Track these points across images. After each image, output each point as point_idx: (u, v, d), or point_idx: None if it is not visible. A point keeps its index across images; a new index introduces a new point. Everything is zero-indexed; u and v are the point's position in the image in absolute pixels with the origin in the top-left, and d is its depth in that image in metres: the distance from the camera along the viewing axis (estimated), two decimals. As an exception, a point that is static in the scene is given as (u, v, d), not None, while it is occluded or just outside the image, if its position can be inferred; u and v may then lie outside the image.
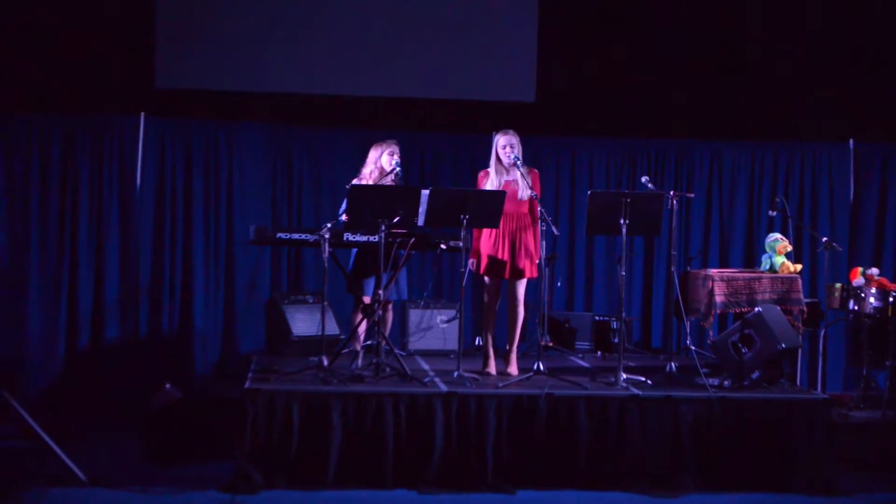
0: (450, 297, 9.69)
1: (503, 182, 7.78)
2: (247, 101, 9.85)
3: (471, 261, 7.80)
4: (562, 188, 10.17)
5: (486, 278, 7.91)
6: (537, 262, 7.89)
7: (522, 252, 7.80)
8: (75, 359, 9.24)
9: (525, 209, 7.82)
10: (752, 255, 9.98)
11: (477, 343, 9.39)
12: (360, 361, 7.86)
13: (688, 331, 8.46)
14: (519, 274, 7.82)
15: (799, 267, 8.52)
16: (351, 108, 9.99)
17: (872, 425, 8.25)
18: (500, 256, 7.77)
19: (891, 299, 8.56)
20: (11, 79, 9.13)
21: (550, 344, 9.14)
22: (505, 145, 7.76)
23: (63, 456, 6.93)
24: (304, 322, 8.92)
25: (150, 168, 9.45)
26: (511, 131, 7.82)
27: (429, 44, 10.05)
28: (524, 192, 7.77)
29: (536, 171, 7.98)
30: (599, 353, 9.37)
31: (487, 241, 7.81)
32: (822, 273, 9.70)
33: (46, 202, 9.25)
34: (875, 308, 8.63)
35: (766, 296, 8.21)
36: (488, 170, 7.89)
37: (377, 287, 7.62)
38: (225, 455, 7.22)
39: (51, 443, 6.99)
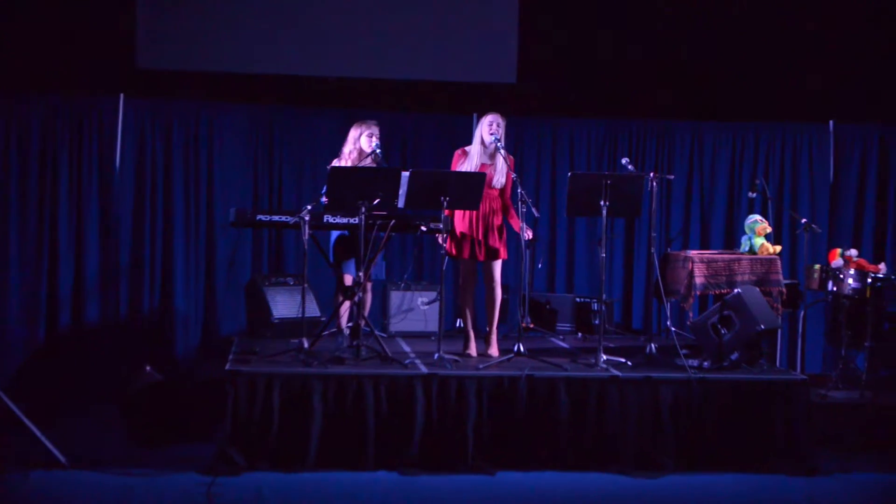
0: (431, 279, 9.69)
1: (480, 164, 7.78)
2: (228, 82, 9.82)
3: (440, 237, 7.76)
4: (542, 169, 10.16)
5: (461, 260, 7.92)
6: (528, 233, 7.80)
7: (496, 233, 7.82)
8: (55, 340, 9.20)
9: (498, 192, 7.83)
10: (732, 236, 10.00)
11: (458, 325, 9.39)
12: (338, 343, 7.86)
13: (668, 312, 8.50)
14: (493, 255, 7.84)
15: (778, 248, 8.55)
16: (332, 90, 9.96)
17: (851, 405, 8.30)
18: (474, 237, 7.78)
19: (869, 280, 8.61)
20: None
21: (531, 325, 9.16)
22: (492, 122, 7.76)
23: (43, 438, 6.91)
24: (284, 304, 8.91)
25: (129, 149, 9.39)
26: (497, 114, 7.81)
27: (410, 24, 10.03)
28: (500, 177, 7.78)
29: (511, 157, 7.98)
30: (580, 334, 9.39)
31: (462, 222, 7.81)
32: (801, 254, 9.76)
33: (25, 183, 9.19)
34: (853, 289, 8.67)
35: (746, 277, 8.25)
36: (465, 149, 7.88)
37: (358, 268, 7.62)
38: (206, 437, 7.25)
39: (30, 425, 6.97)
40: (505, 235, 7.92)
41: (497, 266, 7.91)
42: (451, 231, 7.81)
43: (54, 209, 9.24)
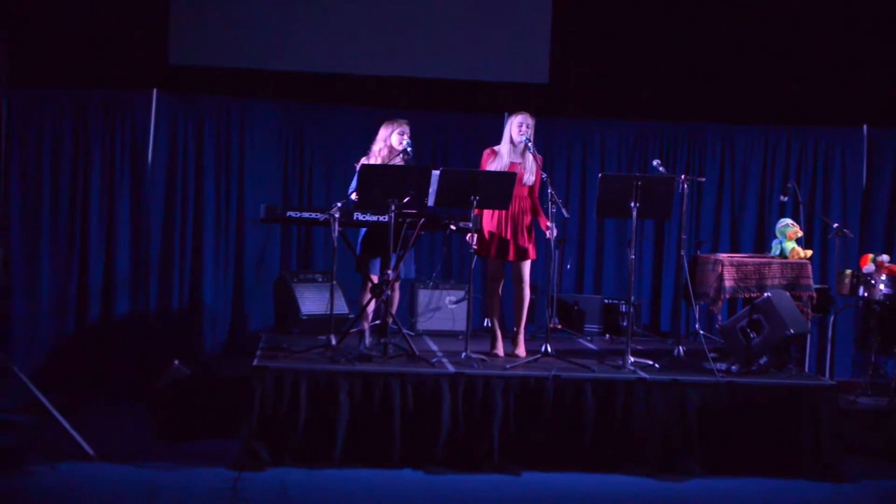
0: (459, 278, 9.69)
1: (510, 163, 7.77)
2: (259, 79, 9.86)
3: (469, 236, 7.77)
4: (573, 170, 10.15)
5: (490, 260, 7.92)
6: (553, 231, 7.78)
7: (525, 233, 7.81)
8: (85, 333, 9.25)
9: (527, 192, 7.82)
10: (762, 240, 9.94)
11: (485, 324, 9.38)
12: (367, 341, 7.87)
13: (696, 315, 8.45)
14: (523, 255, 7.83)
15: (809, 253, 8.50)
16: (363, 87, 9.98)
17: (880, 412, 8.24)
18: (503, 238, 7.77)
19: (901, 286, 8.55)
20: (25, 54, 9.11)
21: (559, 326, 9.15)
22: (521, 123, 7.75)
23: (71, 430, 6.96)
24: (313, 301, 8.94)
25: (161, 145, 9.44)
26: (527, 113, 7.81)
27: (442, 24, 10.03)
28: (530, 176, 7.77)
29: (541, 156, 7.98)
30: (608, 335, 9.37)
31: (490, 222, 7.81)
32: (832, 259, 9.69)
33: (58, 177, 9.25)
34: (885, 295, 8.61)
35: (776, 281, 8.19)
36: (495, 148, 7.88)
37: (385, 267, 7.62)
38: (232, 432, 7.26)
39: (59, 417, 7.02)
40: (534, 235, 7.90)
41: (526, 266, 7.90)
42: (479, 230, 7.81)
43: (86, 203, 9.29)
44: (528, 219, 7.84)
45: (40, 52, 9.27)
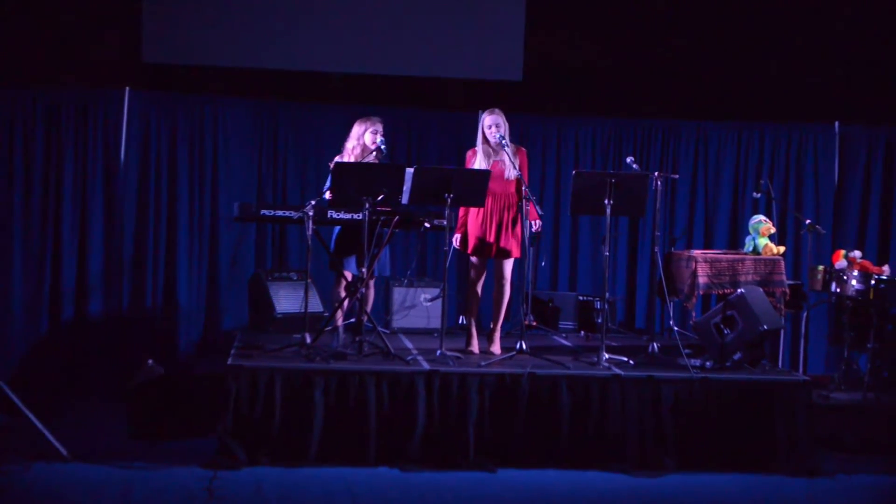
0: (434, 276, 9.69)
1: (491, 162, 7.77)
2: (233, 77, 9.82)
3: (455, 236, 7.80)
4: (547, 167, 10.15)
5: (472, 258, 7.91)
6: (527, 237, 7.86)
7: (509, 231, 7.81)
8: (58, 333, 9.20)
9: (512, 189, 7.81)
10: (736, 236, 9.98)
11: (461, 322, 9.40)
12: (341, 338, 7.86)
13: (671, 312, 8.50)
14: (506, 253, 7.83)
15: (782, 249, 8.54)
16: (337, 85, 9.97)
17: (853, 407, 8.31)
18: (487, 236, 7.77)
19: (873, 282, 8.60)
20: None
21: (534, 323, 9.16)
22: (490, 125, 7.76)
23: (45, 431, 6.93)
24: (287, 299, 8.93)
25: (134, 142, 9.39)
26: (497, 110, 7.81)
27: (416, 21, 10.02)
28: (511, 172, 7.77)
29: (524, 149, 7.99)
30: (583, 332, 9.38)
31: (475, 220, 7.80)
32: (805, 255, 9.73)
33: (30, 176, 9.18)
34: (857, 291, 8.66)
35: (749, 277, 8.23)
36: (476, 149, 7.88)
37: (360, 265, 7.61)
38: (208, 431, 7.25)
39: (33, 418, 6.98)
40: (518, 232, 7.88)
41: (509, 264, 7.90)
42: (464, 227, 7.81)
43: (59, 202, 9.23)
44: (512, 215, 7.82)
45: (9, 49, 9.21)
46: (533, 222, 7.82)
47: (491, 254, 7.83)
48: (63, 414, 7.92)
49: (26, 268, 9.17)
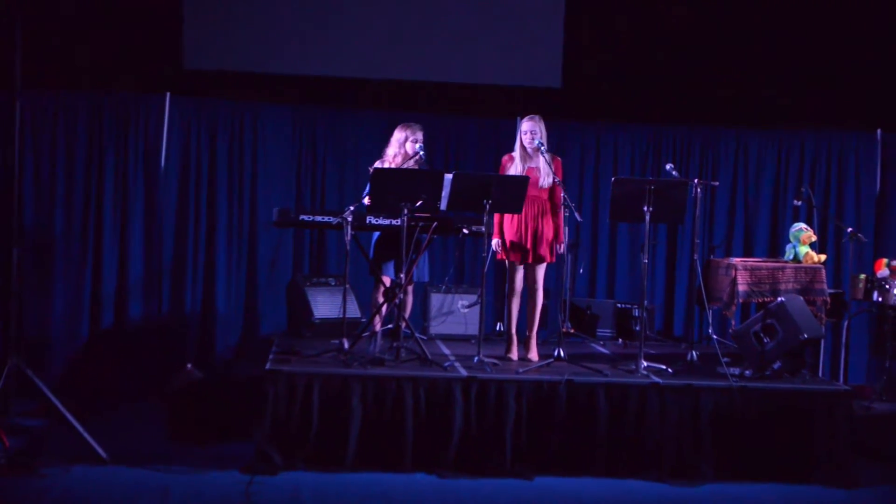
0: (471, 282, 9.68)
1: (526, 168, 7.77)
2: (272, 83, 9.87)
3: (495, 241, 7.81)
4: (586, 174, 10.13)
5: (510, 264, 7.91)
6: (561, 247, 7.90)
7: (544, 238, 7.81)
8: (98, 338, 9.27)
9: (546, 195, 7.81)
10: (776, 244, 9.92)
11: (498, 329, 9.40)
12: (378, 344, 7.87)
13: (710, 320, 8.43)
14: (540, 259, 7.85)
15: (823, 257, 8.48)
16: (376, 91, 10.00)
17: (894, 417, 8.21)
18: (522, 241, 7.77)
19: (915, 291, 8.52)
20: (39, 56, 9.12)
21: (572, 330, 9.14)
22: (527, 131, 7.77)
23: (85, 434, 6.98)
24: (325, 304, 8.94)
25: (174, 148, 9.45)
26: (536, 117, 7.82)
27: (456, 28, 10.03)
28: (546, 179, 7.77)
29: (559, 157, 7.99)
30: (621, 340, 9.35)
31: (510, 226, 7.81)
32: (846, 264, 9.66)
33: (72, 181, 9.26)
34: (899, 300, 8.58)
35: (790, 286, 8.17)
36: (512, 154, 7.89)
37: (398, 270, 7.62)
38: (245, 436, 7.28)
39: (73, 421, 7.03)
40: (552, 238, 7.89)
41: (541, 270, 7.92)
42: (500, 234, 7.81)
43: (100, 207, 9.30)
44: (547, 221, 7.84)
45: (54, 54, 9.29)
46: (559, 245, 7.85)
47: (528, 259, 7.83)
48: (102, 417, 7.96)
49: (67, 273, 9.24)
